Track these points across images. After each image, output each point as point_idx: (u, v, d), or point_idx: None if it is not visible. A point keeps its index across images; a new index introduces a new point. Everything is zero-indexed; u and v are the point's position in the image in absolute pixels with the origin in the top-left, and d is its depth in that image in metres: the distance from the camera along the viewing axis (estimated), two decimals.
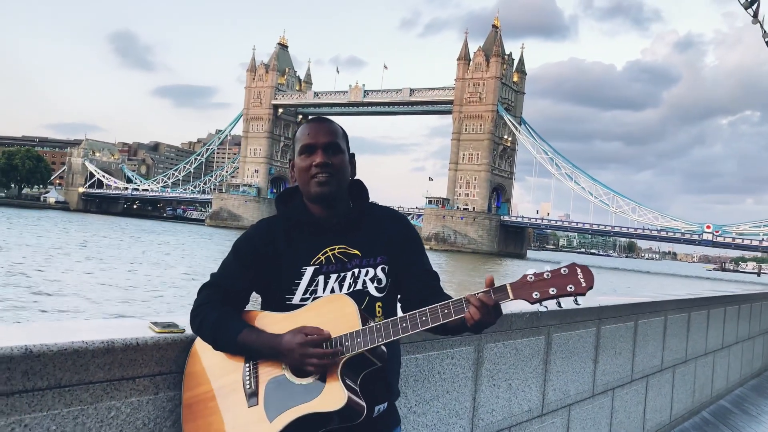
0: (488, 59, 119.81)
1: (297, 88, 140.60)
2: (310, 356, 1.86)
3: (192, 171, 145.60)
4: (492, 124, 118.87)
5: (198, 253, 48.28)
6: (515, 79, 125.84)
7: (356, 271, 2.09)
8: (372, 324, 1.91)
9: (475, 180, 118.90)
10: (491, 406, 3.72)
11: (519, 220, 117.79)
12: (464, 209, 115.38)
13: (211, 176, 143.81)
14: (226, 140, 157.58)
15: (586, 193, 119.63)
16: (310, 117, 2.20)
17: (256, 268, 2.08)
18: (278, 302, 2.08)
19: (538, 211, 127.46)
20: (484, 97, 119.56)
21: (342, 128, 2.19)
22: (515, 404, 3.95)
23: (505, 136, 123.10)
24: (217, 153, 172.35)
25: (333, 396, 1.85)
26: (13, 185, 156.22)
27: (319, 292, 2.06)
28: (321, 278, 2.07)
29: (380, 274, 2.11)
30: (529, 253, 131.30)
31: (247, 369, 1.97)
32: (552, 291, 1.82)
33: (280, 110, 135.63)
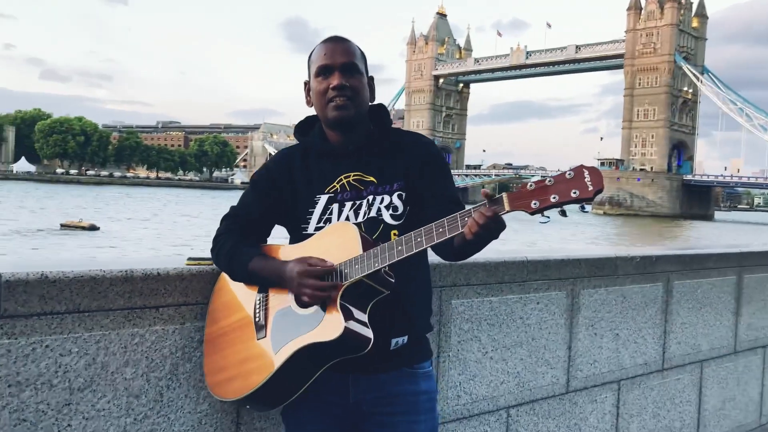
0: (662, 6, 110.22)
1: (457, 57, 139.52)
2: (306, 286, 1.80)
3: None
4: (669, 75, 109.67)
5: None
6: (695, 24, 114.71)
7: (371, 198, 1.98)
8: (371, 249, 1.79)
9: (652, 138, 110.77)
10: (592, 356, 3.42)
11: (704, 178, 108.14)
12: (641, 170, 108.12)
13: None
14: (391, 115, 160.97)
15: None
16: (327, 37, 2.07)
17: (273, 197, 2.05)
18: (296, 232, 2.04)
19: (726, 168, 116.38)
20: (659, 48, 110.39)
21: (360, 49, 2.07)
22: (625, 356, 3.60)
23: (685, 88, 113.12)
24: None
25: (331, 325, 1.77)
26: (204, 169, 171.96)
27: (334, 221, 1.98)
28: (335, 206, 1.99)
29: (396, 201, 1.98)
30: (718, 214, 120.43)
31: (258, 302, 1.95)
32: (553, 198, 1.59)
33: (441, 80, 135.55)
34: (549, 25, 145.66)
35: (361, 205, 1.98)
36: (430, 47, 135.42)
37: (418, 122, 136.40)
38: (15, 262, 1.93)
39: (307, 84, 2.08)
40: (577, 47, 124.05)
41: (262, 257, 1.94)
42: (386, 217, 1.97)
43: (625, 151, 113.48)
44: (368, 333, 1.80)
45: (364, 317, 1.82)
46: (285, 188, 2.04)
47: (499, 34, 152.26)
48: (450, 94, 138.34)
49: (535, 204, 1.61)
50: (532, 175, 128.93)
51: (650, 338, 3.75)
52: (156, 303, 2.05)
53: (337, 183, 2.01)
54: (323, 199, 2.00)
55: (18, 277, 1.80)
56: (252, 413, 2.25)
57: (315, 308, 1.82)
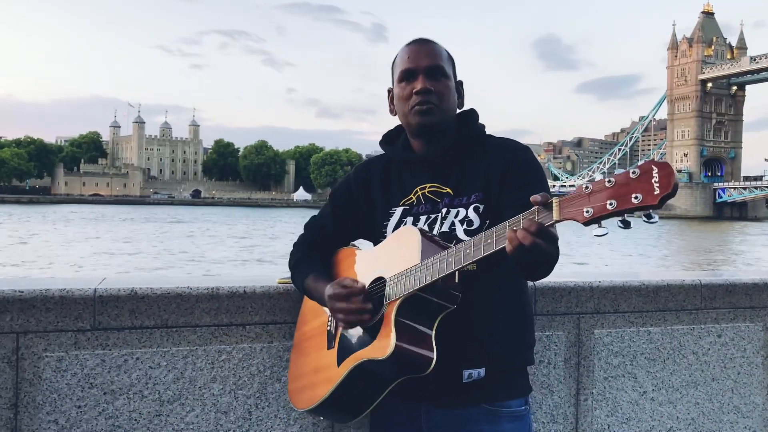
0: None
1: (728, 57, 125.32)
2: (337, 310, 1.69)
3: (616, 162, 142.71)
4: None
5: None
6: None
7: (445, 211, 1.80)
8: (426, 261, 1.60)
9: None
10: None
11: None
12: None
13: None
14: (650, 126, 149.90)
15: None
16: (410, 40, 1.93)
17: (349, 211, 1.97)
18: (376, 245, 1.93)
19: None
20: None
21: (447, 51, 1.90)
22: None
23: None
24: (642, 140, 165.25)
25: (383, 343, 1.62)
26: None
27: None
28: (410, 219, 1.85)
29: (472, 215, 1.77)
30: None
31: None
32: (610, 205, 1.26)
33: (709, 85, 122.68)
34: None
35: (436, 219, 1.81)
36: (695, 50, 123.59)
37: (683, 132, 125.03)
38: (109, 278, 2.11)
39: (390, 92, 1.96)
40: None
41: (315, 276, 1.87)
42: (459, 232, 1.77)
43: None
44: (429, 353, 1.61)
45: (430, 334, 1.63)
46: (362, 201, 1.96)
47: None
48: (721, 99, 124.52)
49: (587, 212, 1.29)
50: None
51: None
52: (242, 321, 2.08)
53: (414, 195, 1.87)
54: (398, 212, 1.88)
55: (110, 293, 1.95)
56: None
57: (372, 322, 1.69)
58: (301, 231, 2.06)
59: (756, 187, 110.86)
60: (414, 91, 1.81)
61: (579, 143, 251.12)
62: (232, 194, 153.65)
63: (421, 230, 1.69)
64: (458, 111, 1.91)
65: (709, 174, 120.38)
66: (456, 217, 1.79)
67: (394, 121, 1.98)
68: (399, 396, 1.72)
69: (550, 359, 2.37)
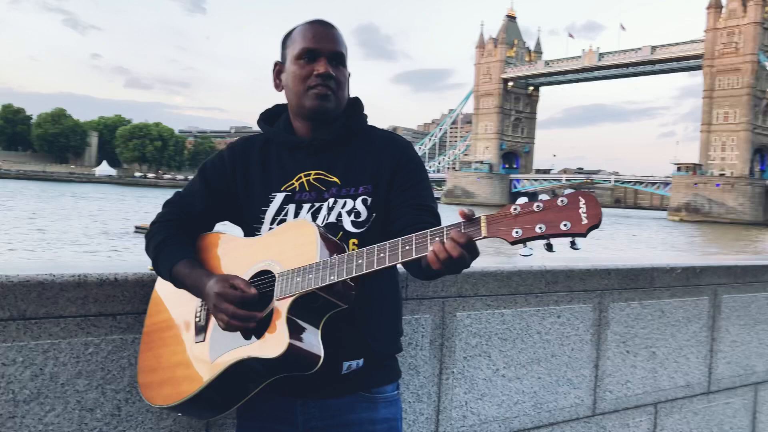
0: (745, 3, 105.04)
1: (527, 60, 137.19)
2: (221, 311, 1.61)
3: (426, 152, 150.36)
4: (752, 76, 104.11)
5: None
6: None
7: (332, 201, 1.78)
8: (327, 258, 1.59)
9: (733, 141, 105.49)
10: (624, 376, 3.11)
11: None
12: (720, 175, 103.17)
13: (445, 155, 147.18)
14: (458, 119, 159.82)
15: None
16: (312, 19, 1.87)
17: (221, 190, 1.86)
18: (249, 232, 1.86)
19: None
20: (741, 47, 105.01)
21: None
22: (664, 377, 3.27)
23: None
24: (450, 132, 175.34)
25: (274, 341, 1.58)
26: None
27: None
28: (291, 207, 1.81)
29: (360, 207, 1.78)
30: None
31: (201, 300, 1.76)
32: (539, 229, 1.35)
33: (510, 84, 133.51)
34: (623, 28, 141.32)
35: (320, 208, 1.79)
36: (499, 50, 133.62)
37: (486, 126, 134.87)
38: None
39: (277, 65, 1.89)
40: (653, 48, 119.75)
41: (188, 263, 1.74)
42: (346, 223, 1.77)
43: (703, 156, 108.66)
44: (317, 350, 1.60)
45: (316, 333, 1.62)
46: (237, 181, 1.86)
47: (571, 36, 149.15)
48: (519, 97, 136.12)
49: (516, 233, 1.37)
50: (606, 180, 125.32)
51: (693, 357, 3.39)
52: (113, 310, 1.92)
53: (296, 181, 1.82)
54: (279, 198, 1.82)
55: None
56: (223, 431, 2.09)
57: (261, 315, 1.63)
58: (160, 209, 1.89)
59: (545, 179, 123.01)
60: (315, 73, 1.77)
61: (393, 131, 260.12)
62: (23, 166, 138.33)
63: (317, 226, 1.66)
64: None
65: (507, 166, 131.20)
66: (343, 207, 1.78)
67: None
68: (274, 390, 1.68)
69: (417, 341, 2.48)
